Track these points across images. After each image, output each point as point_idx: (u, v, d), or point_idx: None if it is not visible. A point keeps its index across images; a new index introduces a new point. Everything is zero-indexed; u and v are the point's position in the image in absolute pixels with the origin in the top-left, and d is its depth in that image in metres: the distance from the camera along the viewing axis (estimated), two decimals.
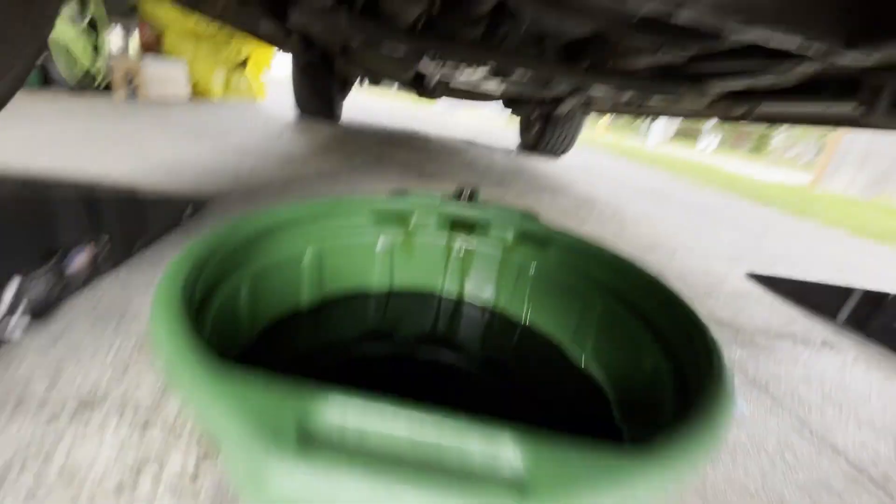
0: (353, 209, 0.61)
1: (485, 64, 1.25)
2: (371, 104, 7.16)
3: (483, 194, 1.66)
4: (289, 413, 0.20)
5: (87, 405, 0.39)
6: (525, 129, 3.42)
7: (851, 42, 0.46)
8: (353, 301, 0.65)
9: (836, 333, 0.89)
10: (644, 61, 1.14)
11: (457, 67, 1.44)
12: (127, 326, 0.51)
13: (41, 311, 0.49)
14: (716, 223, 1.96)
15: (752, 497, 0.41)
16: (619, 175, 3.21)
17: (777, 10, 0.44)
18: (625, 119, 2.62)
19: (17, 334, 0.46)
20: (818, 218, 2.74)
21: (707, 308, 0.90)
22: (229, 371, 0.22)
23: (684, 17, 0.46)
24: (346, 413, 0.21)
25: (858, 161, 6.26)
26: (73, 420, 0.37)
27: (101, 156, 1.23)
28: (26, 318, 0.47)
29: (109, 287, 0.58)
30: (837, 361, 0.74)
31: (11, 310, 0.45)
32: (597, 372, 0.54)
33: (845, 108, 1.04)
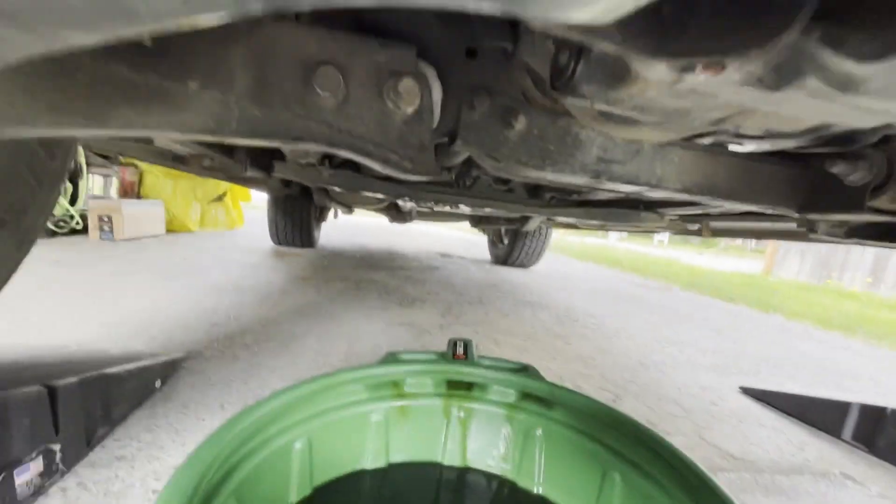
0: (342, 384, 0.57)
1: (457, 203, 1.34)
2: (345, 219, 7.44)
3: (465, 313, 1.66)
4: None
5: None
6: (494, 243, 3.58)
7: (802, 210, 0.52)
8: (347, 484, 0.58)
9: (847, 456, 0.86)
10: (605, 195, 1.25)
11: (431, 204, 1.54)
12: None
13: None
14: (693, 327, 2.00)
15: None
16: (590, 281, 3.33)
17: (734, 188, 0.50)
18: None
19: None
20: (782, 311, 2.86)
21: (714, 440, 0.86)
22: None
23: (654, 196, 0.51)
24: None
25: (802, 248, 6.82)
26: None
27: (66, 313, 1.17)
28: None
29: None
30: (865, 500, 0.70)
31: None
32: None
33: (790, 225, 1.15)
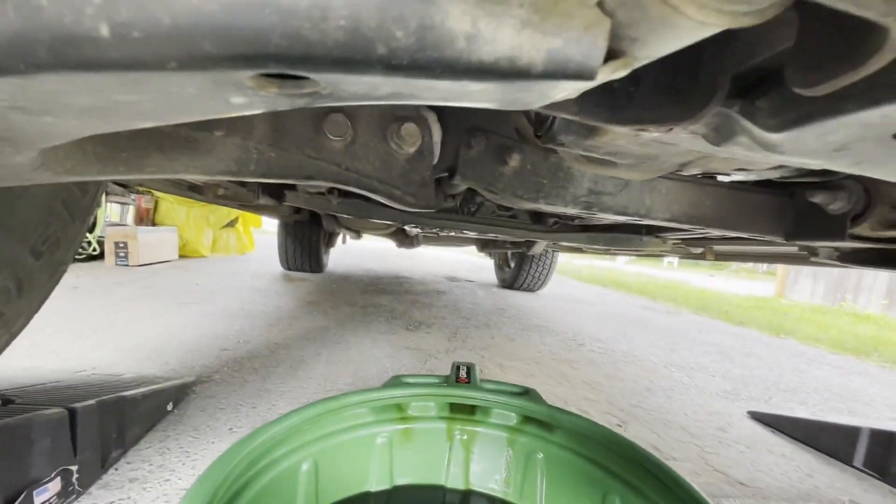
0: (348, 407, 0.59)
1: (462, 229, 1.38)
2: (354, 244, 7.52)
3: (470, 337, 1.67)
4: None
5: None
6: (501, 267, 3.60)
7: (789, 237, 0.54)
8: None
9: (858, 483, 0.85)
10: (608, 219, 1.28)
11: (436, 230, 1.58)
12: None
13: None
14: (702, 352, 1.98)
15: None
16: (598, 304, 3.32)
17: (721, 217, 0.53)
18: None
19: None
20: (794, 335, 2.81)
21: (721, 466, 0.86)
22: None
23: (645, 222, 0.53)
24: None
25: (814, 270, 6.73)
26: None
27: (83, 338, 1.20)
28: None
29: None
30: None
31: None
32: None
33: (791, 249, 1.16)
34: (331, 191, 1.20)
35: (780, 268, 7.23)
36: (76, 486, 0.56)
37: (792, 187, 0.56)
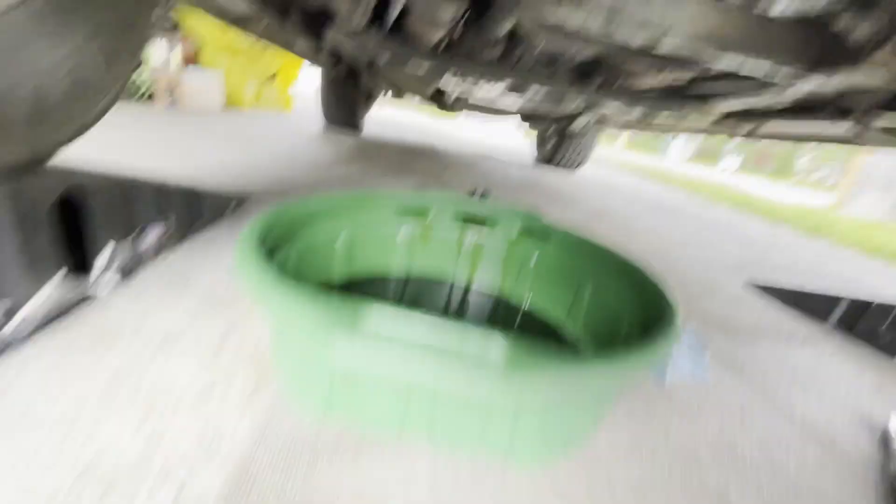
0: (379, 203, 0.71)
1: (501, 81, 1.36)
2: (393, 117, 7.37)
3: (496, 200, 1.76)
4: (346, 309, 0.30)
5: (168, 339, 0.49)
6: (541, 143, 3.52)
7: (812, 67, 0.54)
8: (375, 283, 0.74)
9: (823, 334, 0.95)
10: (649, 81, 1.23)
11: (475, 84, 1.55)
12: (192, 290, 0.61)
13: (127, 273, 0.60)
14: (724, 238, 2.00)
15: (708, 445, 0.49)
16: (632, 190, 3.27)
17: (743, 40, 0.53)
18: (643, 136, 2.70)
19: (108, 290, 0.56)
20: (831, 237, 2.74)
21: (701, 308, 0.97)
22: (301, 286, 0.32)
23: (668, 45, 0.55)
24: (384, 316, 0.30)
25: (883, 184, 6.15)
26: (158, 351, 0.47)
27: (151, 159, 1.37)
28: (116, 277, 0.58)
29: (174, 261, 0.69)
30: (815, 353, 0.80)
31: (106, 268, 0.56)
32: (586, 343, 0.62)
33: (841, 128, 1.11)
34: (369, 28, 1.19)
35: (846, 177, 6.63)
36: (171, 238, 0.73)
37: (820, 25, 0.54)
